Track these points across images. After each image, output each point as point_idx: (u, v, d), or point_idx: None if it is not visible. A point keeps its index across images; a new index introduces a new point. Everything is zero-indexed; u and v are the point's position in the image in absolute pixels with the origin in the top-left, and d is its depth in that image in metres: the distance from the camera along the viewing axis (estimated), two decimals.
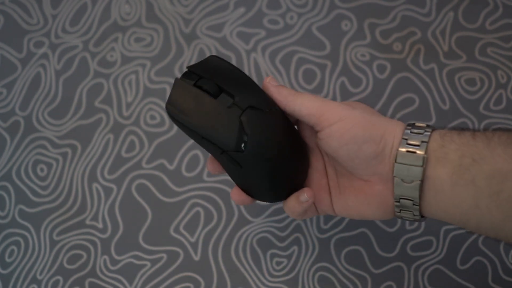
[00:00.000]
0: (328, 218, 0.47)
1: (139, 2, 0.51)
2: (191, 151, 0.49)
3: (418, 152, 0.34)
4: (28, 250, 0.48)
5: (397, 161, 0.35)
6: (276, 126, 0.36)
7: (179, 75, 0.50)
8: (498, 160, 0.32)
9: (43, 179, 0.49)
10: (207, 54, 0.50)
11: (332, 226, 0.47)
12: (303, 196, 0.37)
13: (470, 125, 0.48)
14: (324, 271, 0.46)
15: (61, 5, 0.51)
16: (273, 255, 0.47)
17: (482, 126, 0.48)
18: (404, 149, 0.34)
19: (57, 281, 0.47)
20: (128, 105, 0.49)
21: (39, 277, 0.47)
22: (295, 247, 0.47)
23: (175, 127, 0.49)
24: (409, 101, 0.48)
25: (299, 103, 0.36)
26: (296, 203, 0.38)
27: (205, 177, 0.48)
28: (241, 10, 0.51)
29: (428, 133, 0.35)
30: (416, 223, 0.46)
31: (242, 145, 0.35)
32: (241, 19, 0.50)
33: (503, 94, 0.48)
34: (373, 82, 0.49)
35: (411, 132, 0.35)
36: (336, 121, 0.35)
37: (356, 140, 0.35)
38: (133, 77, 0.50)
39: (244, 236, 0.47)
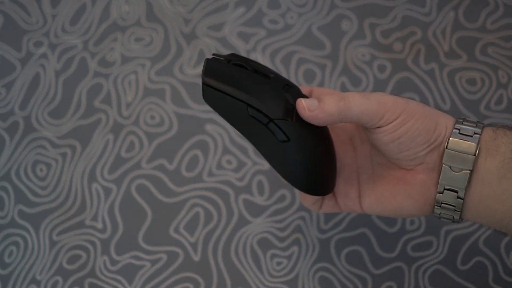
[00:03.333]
0: (328, 218, 0.47)
1: (138, 2, 0.51)
2: (191, 151, 0.48)
3: (470, 142, 0.33)
4: (27, 250, 0.48)
5: (448, 147, 0.34)
6: None
7: (179, 75, 0.50)
8: None
9: (42, 179, 0.49)
10: (207, 54, 0.50)
11: (332, 226, 0.47)
12: None
13: None
14: (324, 271, 0.46)
15: (60, 5, 0.51)
16: (273, 256, 0.47)
17: None
18: (456, 138, 0.34)
19: (57, 282, 0.47)
20: (128, 105, 0.49)
21: (38, 278, 0.47)
22: (295, 248, 0.47)
23: (175, 127, 0.49)
24: None
25: (356, 112, 0.34)
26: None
27: (205, 177, 0.48)
28: (241, 10, 0.50)
29: (480, 128, 0.34)
30: (417, 223, 0.46)
31: (291, 116, 0.34)
32: (241, 19, 0.50)
33: (503, 94, 0.48)
34: (374, 82, 0.49)
35: (463, 124, 0.34)
36: (394, 119, 0.34)
37: (410, 134, 0.34)
38: (132, 77, 0.50)
39: (244, 236, 0.47)
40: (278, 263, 0.46)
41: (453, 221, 0.36)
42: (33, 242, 0.48)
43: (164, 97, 0.49)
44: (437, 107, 0.48)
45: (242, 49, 0.50)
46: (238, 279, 0.46)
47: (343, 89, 0.49)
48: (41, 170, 0.49)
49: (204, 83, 0.35)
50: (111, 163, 0.49)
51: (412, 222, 0.46)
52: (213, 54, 0.37)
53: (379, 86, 0.49)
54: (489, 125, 0.35)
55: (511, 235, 0.35)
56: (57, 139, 0.49)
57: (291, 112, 0.34)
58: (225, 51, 0.50)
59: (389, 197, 0.36)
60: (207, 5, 0.51)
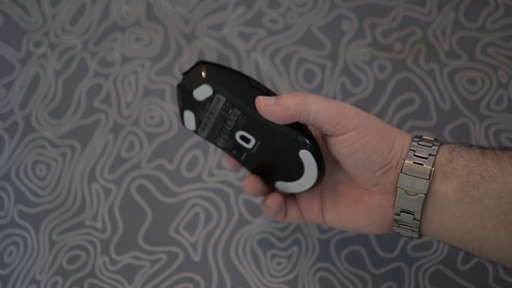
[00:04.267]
0: None
1: (138, 2, 0.51)
2: (191, 151, 0.48)
3: (425, 165, 0.33)
4: (27, 250, 0.48)
5: (403, 171, 0.34)
6: None
7: (179, 75, 0.50)
8: (509, 179, 0.31)
9: (42, 179, 0.49)
10: (207, 54, 0.50)
11: None
12: (269, 200, 0.38)
13: (471, 125, 0.48)
14: (324, 271, 0.46)
15: (60, 5, 0.51)
16: (273, 256, 0.47)
17: (483, 126, 0.48)
18: (411, 161, 0.34)
19: (56, 282, 0.47)
20: (128, 105, 0.49)
21: (38, 278, 0.47)
22: (295, 248, 0.47)
23: (175, 127, 0.49)
24: (410, 101, 0.48)
25: (313, 110, 0.34)
26: (264, 206, 0.38)
27: (205, 177, 0.48)
28: (241, 10, 0.50)
29: (436, 147, 0.34)
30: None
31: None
32: (241, 19, 0.50)
33: (504, 94, 0.48)
34: (374, 82, 0.49)
35: (418, 144, 0.34)
36: (350, 129, 0.34)
37: (366, 150, 0.34)
38: (132, 77, 0.50)
39: (244, 236, 0.47)
40: (278, 263, 0.46)
41: (413, 238, 0.36)
42: (33, 242, 0.48)
43: (164, 97, 0.49)
44: (437, 107, 0.48)
45: (242, 49, 0.50)
46: (238, 279, 0.46)
47: (343, 89, 0.49)
48: (41, 170, 0.49)
49: (209, 80, 0.36)
50: (111, 163, 0.49)
51: None
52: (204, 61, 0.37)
53: (379, 86, 0.49)
54: (446, 144, 0.35)
55: (472, 254, 0.35)
56: (57, 139, 0.49)
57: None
58: (225, 51, 0.50)
59: (348, 216, 0.37)
60: (207, 5, 0.51)
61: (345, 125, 0.34)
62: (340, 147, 0.34)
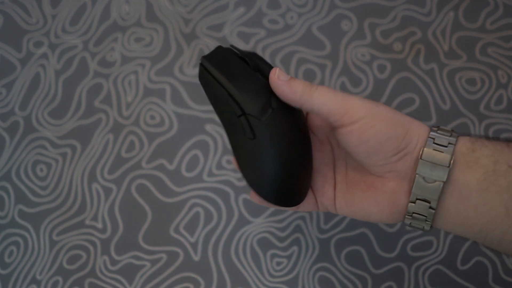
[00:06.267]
0: (328, 218, 0.47)
1: (139, 2, 0.51)
2: (191, 151, 0.49)
3: (445, 153, 0.33)
4: (27, 250, 0.48)
5: (423, 158, 0.33)
6: (297, 121, 0.35)
7: (179, 75, 0.50)
8: None
9: (42, 179, 0.49)
10: None
11: (332, 226, 0.47)
12: None
13: (471, 125, 0.48)
14: (324, 271, 0.46)
15: (60, 5, 0.51)
16: (273, 255, 0.47)
17: (482, 126, 0.48)
18: (430, 148, 0.33)
19: (57, 282, 0.47)
20: (128, 105, 0.49)
21: (38, 278, 0.47)
22: (295, 247, 0.47)
23: (175, 127, 0.49)
24: (410, 101, 0.48)
25: (317, 101, 0.34)
26: None
27: (205, 177, 0.48)
28: (241, 10, 0.50)
29: (455, 137, 0.34)
30: None
31: (264, 117, 0.34)
32: (241, 19, 0.50)
33: (503, 94, 0.48)
34: (373, 82, 0.49)
35: (437, 133, 0.34)
36: (359, 119, 0.33)
37: (378, 138, 0.33)
38: (133, 77, 0.50)
39: (244, 236, 0.47)
40: (278, 263, 0.47)
41: (423, 230, 0.35)
42: (33, 242, 0.48)
43: (164, 97, 0.49)
44: (437, 107, 0.48)
45: (242, 49, 0.50)
46: (238, 279, 0.46)
47: (343, 89, 0.49)
48: (41, 170, 0.49)
49: (200, 63, 0.36)
50: (111, 163, 0.49)
51: None
52: (231, 45, 0.37)
53: (379, 86, 0.49)
54: (464, 135, 0.35)
55: (488, 246, 0.34)
56: (57, 139, 0.49)
57: (268, 114, 0.34)
58: None
59: (358, 202, 0.36)
60: (207, 5, 0.51)
61: (352, 115, 0.33)
62: (349, 137, 0.34)
